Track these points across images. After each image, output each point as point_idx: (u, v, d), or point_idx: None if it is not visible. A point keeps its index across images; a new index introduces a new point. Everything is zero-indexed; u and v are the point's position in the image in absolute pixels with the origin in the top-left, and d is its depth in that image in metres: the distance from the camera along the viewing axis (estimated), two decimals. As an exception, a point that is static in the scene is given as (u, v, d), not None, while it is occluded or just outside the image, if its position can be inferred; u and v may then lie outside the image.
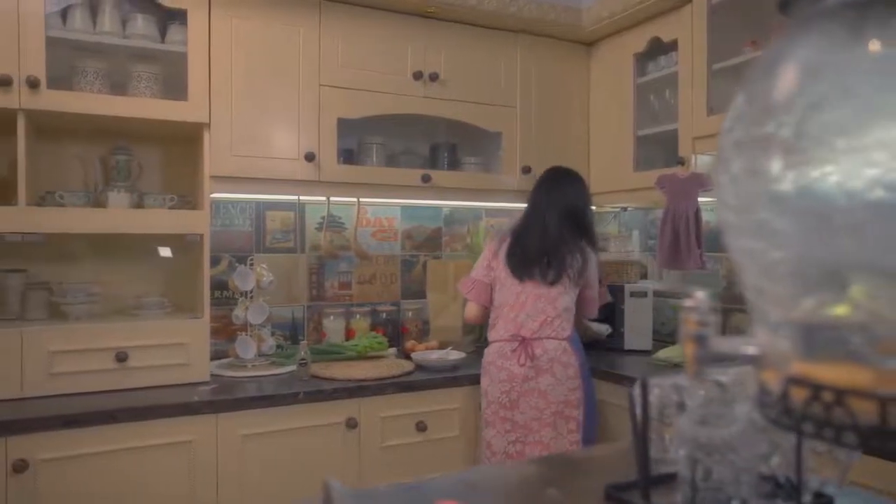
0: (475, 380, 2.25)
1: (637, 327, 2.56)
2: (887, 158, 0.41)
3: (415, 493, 0.79)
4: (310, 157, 2.23)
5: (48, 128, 2.12)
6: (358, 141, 2.54)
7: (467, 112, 2.52)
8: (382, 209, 2.74)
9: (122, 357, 1.95)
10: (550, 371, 2.06)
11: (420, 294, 2.79)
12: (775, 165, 0.45)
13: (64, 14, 1.99)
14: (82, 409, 1.77)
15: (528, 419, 2.05)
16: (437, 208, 2.84)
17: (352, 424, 2.05)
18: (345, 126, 2.35)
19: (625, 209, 2.93)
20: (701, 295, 0.51)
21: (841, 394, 0.43)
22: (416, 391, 2.17)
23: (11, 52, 1.85)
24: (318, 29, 2.26)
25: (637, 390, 0.68)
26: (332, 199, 2.47)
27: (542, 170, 2.36)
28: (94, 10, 2.03)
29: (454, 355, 2.40)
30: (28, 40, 1.86)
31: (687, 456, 0.59)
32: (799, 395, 0.46)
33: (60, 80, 1.97)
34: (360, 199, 2.52)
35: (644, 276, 2.82)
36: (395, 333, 2.71)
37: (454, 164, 2.69)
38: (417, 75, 2.40)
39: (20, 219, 1.89)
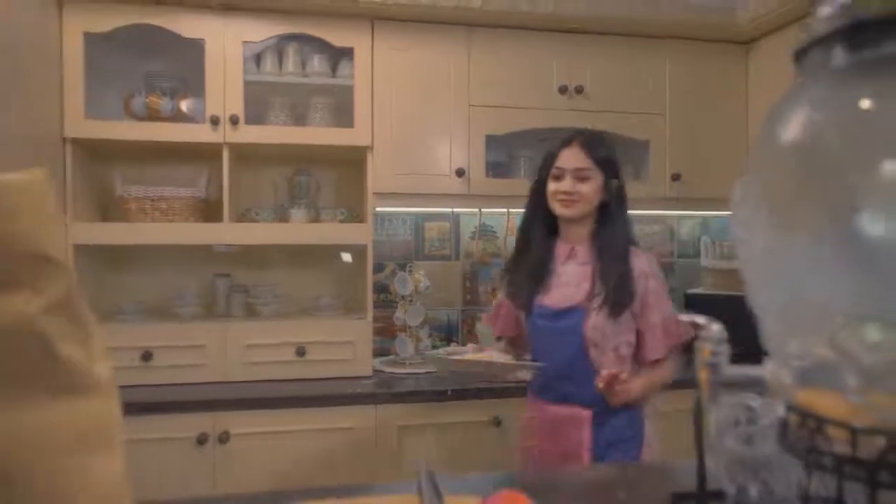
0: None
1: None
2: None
3: (487, 484, 0.90)
4: (460, 173, 2.41)
5: (246, 156, 2.53)
6: (508, 154, 2.67)
7: (614, 122, 2.53)
8: (533, 218, 2.83)
9: (301, 351, 2.28)
10: None
11: (570, 300, 2.84)
12: (765, 212, 0.50)
13: (257, 60, 2.37)
14: (268, 395, 2.11)
15: None
16: (588, 216, 2.87)
17: (496, 423, 2.19)
18: (495, 141, 2.49)
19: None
20: (715, 326, 0.57)
21: (821, 421, 0.47)
22: (559, 395, 2.24)
23: (218, 97, 2.25)
24: (468, 54, 2.43)
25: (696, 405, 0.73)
26: (483, 209, 2.63)
27: (692, 178, 2.28)
28: (280, 55, 2.39)
29: (600, 362, 2.43)
30: (230, 85, 2.26)
31: (726, 472, 0.64)
32: (794, 422, 0.51)
33: (255, 116, 2.35)
34: (510, 210, 2.65)
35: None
36: (545, 338, 2.80)
37: (603, 173, 2.71)
38: (563, 89, 2.47)
39: (225, 232, 2.29)
